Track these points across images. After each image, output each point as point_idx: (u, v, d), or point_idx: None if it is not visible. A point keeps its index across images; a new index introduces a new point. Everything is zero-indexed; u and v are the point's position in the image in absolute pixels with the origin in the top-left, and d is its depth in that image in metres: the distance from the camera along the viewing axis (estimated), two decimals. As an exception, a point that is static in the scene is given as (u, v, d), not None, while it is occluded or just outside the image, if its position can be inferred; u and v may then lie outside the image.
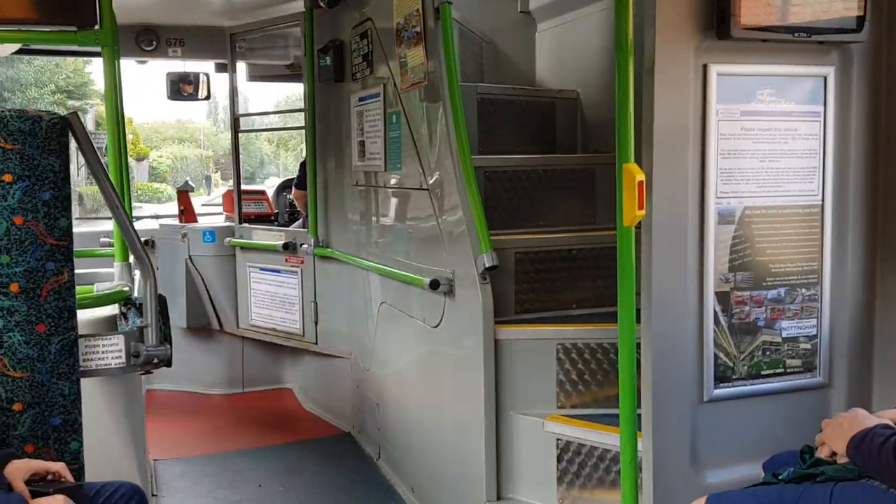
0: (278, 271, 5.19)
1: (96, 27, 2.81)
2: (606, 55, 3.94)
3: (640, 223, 2.08)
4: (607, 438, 2.76)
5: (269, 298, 5.28)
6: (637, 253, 2.13)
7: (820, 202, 2.40)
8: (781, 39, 2.24)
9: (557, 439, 2.90)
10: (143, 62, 5.72)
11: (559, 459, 2.91)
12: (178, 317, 5.50)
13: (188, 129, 43.94)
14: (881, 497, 1.82)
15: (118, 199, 2.53)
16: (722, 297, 2.30)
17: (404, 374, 3.92)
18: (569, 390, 3.00)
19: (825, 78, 2.37)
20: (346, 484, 4.07)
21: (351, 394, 4.78)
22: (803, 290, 2.40)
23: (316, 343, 5.01)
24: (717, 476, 2.29)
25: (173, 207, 6.47)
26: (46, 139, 2.29)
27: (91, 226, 7.25)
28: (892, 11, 2.39)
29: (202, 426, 5.12)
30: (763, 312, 2.36)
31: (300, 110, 5.01)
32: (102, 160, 2.51)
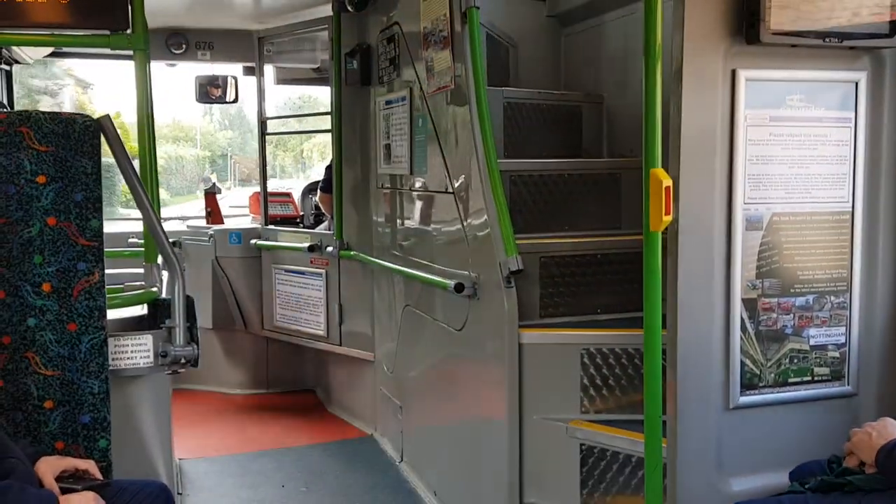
0: (303, 273, 5.23)
1: (128, 31, 2.85)
2: (633, 60, 3.93)
3: (666, 228, 2.07)
4: (631, 444, 2.74)
5: (294, 300, 5.32)
6: (663, 258, 2.12)
7: (850, 209, 2.37)
8: (811, 45, 2.22)
9: (581, 444, 2.89)
10: (173, 65, 5.79)
11: (582, 464, 2.89)
12: (203, 317, 5.53)
13: (184, 128, 42.70)
14: (911, 508, 1.80)
15: (148, 201, 2.57)
16: (749, 304, 2.29)
17: (427, 376, 3.93)
18: (593, 395, 2.99)
19: (856, 83, 2.35)
20: (368, 486, 4.08)
21: (374, 396, 4.79)
22: (832, 298, 2.37)
23: (340, 345, 5.04)
24: (742, 484, 2.27)
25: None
26: (79, 141, 2.33)
27: (120, 226, 7.34)
28: (926, 16, 2.36)
29: (226, 426, 5.16)
30: (791, 320, 2.34)
31: (327, 113, 5.05)
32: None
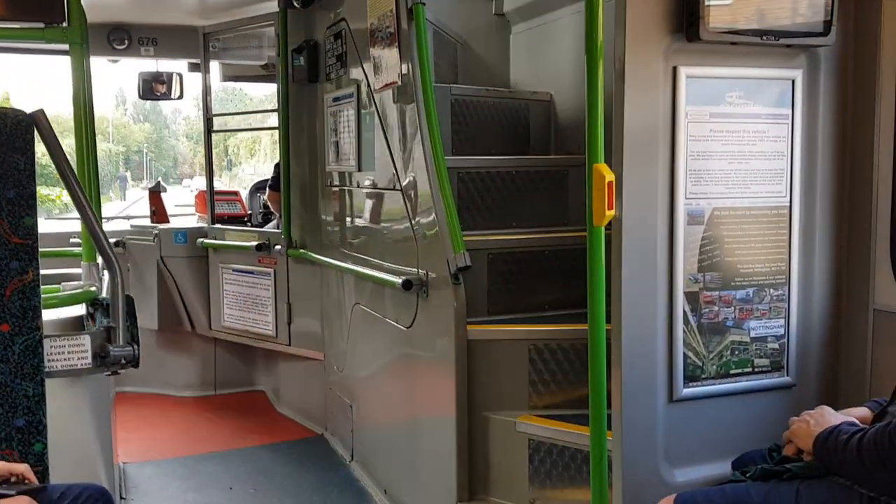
0: (251, 272, 5.16)
1: (64, 24, 2.77)
2: (580, 58, 3.94)
3: (610, 223, 2.09)
4: (578, 438, 2.77)
5: (242, 300, 5.24)
6: (607, 253, 2.14)
7: (788, 204, 2.43)
8: (750, 42, 2.27)
9: (529, 439, 2.90)
10: (115, 61, 5.65)
11: (531, 459, 2.91)
12: (149, 318, 5.44)
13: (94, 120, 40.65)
14: (846, 494, 1.84)
15: (85, 199, 2.50)
16: (691, 297, 2.32)
17: (377, 375, 3.91)
18: (541, 390, 3.01)
19: (793, 81, 2.40)
20: (318, 486, 4.04)
21: (324, 396, 4.75)
22: (771, 291, 2.42)
23: (289, 345, 4.98)
24: (686, 475, 2.31)
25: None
26: (11, 137, 2.25)
27: (61, 226, 7.15)
28: (859, 16, 2.43)
29: (173, 429, 5.07)
30: (732, 312, 2.38)
31: (273, 111, 4.98)
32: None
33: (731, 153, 2.34)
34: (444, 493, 3.09)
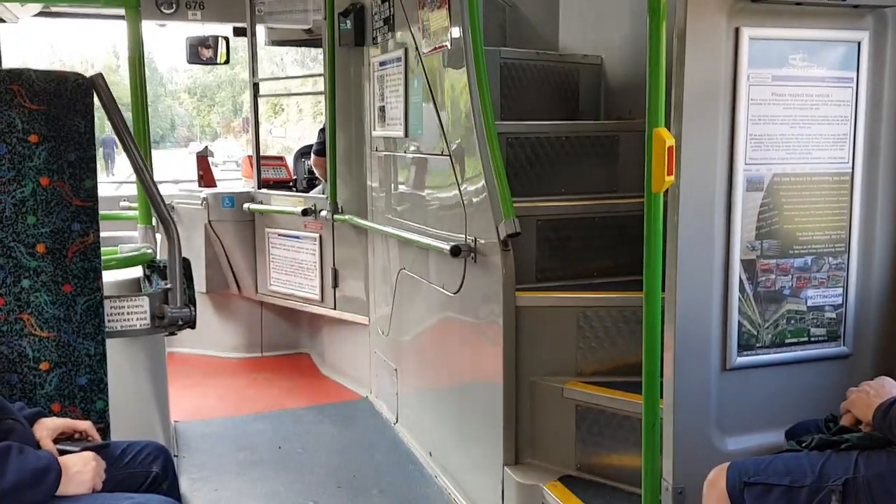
0: (297, 237, 5.20)
1: (119, -12, 2.80)
2: (631, 20, 3.89)
3: (666, 190, 2.06)
4: (627, 405, 2.76)
5: (288, 264, 5.30)
6: (663, 220, 2.11)
7: (850, 170, 2.36)
8: (816, 2, 2.19)
9: (577, 405, 2.91)
10: (163, 25, 5.69)
11: (578, 425, 2.92)
12: (197, 281, 5.52)
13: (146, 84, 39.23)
14: (907, 465, 1.82)
15: (142, 162, 2.54)
16: (748, 265, 2.28)
17: (422, 339, 3.94)
18: (588, 357, 3.00)
19: (858, 43, 2.32)
20: (364, 447, 4.11)
21: (369, 359, 4.81)
22: (830, 259, 2.37)
23: (334, 308, 5.04)
24: (739, 443, 2.29)
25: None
26: (72, 100, 2.29)
27: (110, 191, 7.28)
28: (930, -25, 2.33)
29: (222, 389, 5.18)
30: (789, 281, 2.34)
31: (319, 75, 4.98)
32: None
33: (792, 117, 2.27)
34: (491, 457, 3.11)
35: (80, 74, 2.35)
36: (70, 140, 2.28)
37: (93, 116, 2.33)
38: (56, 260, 2.29)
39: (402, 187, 4.15)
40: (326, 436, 4.29)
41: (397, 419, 4.33)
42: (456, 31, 3.22)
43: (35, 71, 2.27)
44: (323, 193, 5.16)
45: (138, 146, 2.53)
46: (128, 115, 2.80)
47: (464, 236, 3.30)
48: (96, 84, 2.35)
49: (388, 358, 4.44)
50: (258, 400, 4.91)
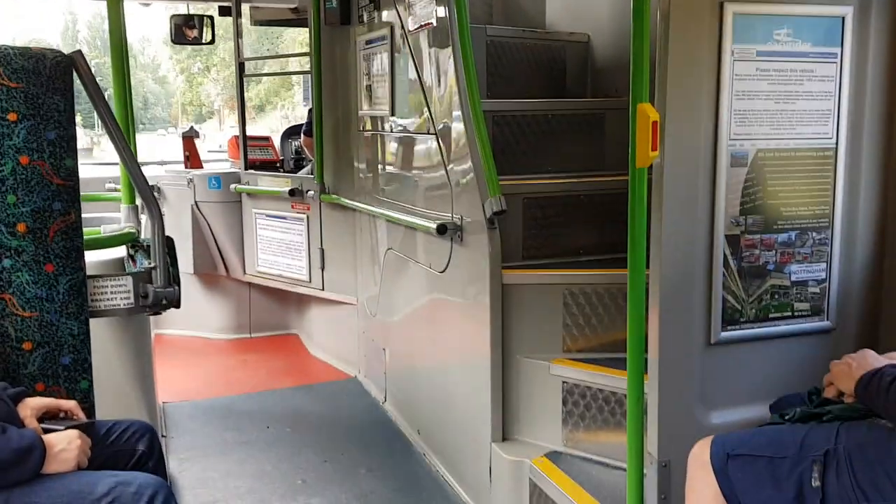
0: (284, 218, 5.19)
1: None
2: (618, -3, 3.87)
3: (650, 166, 2.06)
4: (613, 381, 2.78)
5: (276, 245, 5.29)
6: (647, 196, 2.11)
7: (834, 145, 2.36)
8: (800, -23, 2.19)
9: (563, 382, 2.92)
10: (147, 4, 5.63)
11: (565, 402, 2.93)
12: (184, 263, 5.49)
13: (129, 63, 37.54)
14: (887, 436, 1.83)
15: (124, 141, 2.51)
16: (732, 241, 2.29)
17: (410, 318, 3.94)
18: (575, 335, 3.02)
19: (843, 18, 2.32)
20: (353, 425, 4.12)
21: (357, 339, 4.81)
22: (814, 234, 2.38)
23: (322, 289, 5.03)
24: (723, 417, 2.30)
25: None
26: (50, 78, 2.26)
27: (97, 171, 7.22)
28: (915, -51, 2.32)
29: (210, 370, 5.18)
30: (773, 256, 2.34)
31: (305, 54, 4.94)
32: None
33: (777, 93, 2.27)
34: (479, 434, 3.13)
35: (59, 52, 2.31)
36: (49, 119, 2.25)
37: (72, 94, 2.30)
38: (37, 239, 2.27)
39: (388, 167, 4.14)
40: (315, 415, 4.30)
41: (385, 398, 4.34)
42: (442, 10, 3.20)
43: (13, 48, 2.24)
44: (311, 174, 5.14)
45: (119, 126, 2.50)
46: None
47: (450, 215, 3.29)
48: (76, 62, 2.32)
49: (376, 338, 4.44)
50: (246, 380, 4.91)
